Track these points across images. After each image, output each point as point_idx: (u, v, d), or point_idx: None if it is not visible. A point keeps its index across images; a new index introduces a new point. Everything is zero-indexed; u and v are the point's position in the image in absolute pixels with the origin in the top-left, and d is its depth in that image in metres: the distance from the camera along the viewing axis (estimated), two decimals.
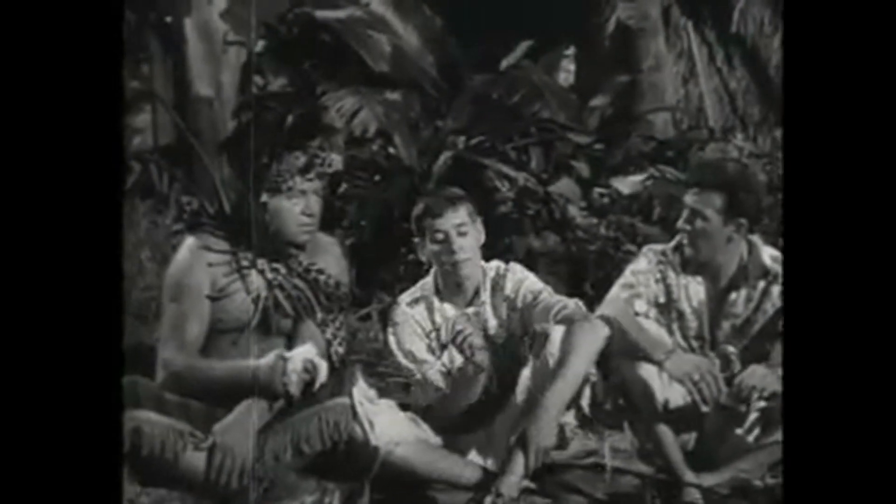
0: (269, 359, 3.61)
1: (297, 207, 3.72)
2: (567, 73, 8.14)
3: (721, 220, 4.00)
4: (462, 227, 4.01)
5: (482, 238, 4.10)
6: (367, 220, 6.74)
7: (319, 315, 3.79)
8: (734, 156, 6.46)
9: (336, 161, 3.79)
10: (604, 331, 3.88)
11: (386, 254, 6.61)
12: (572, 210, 6.31)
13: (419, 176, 6.81)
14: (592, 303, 4.32)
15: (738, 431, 4.08)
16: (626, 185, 6.52)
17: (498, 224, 6.01)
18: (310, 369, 3.61)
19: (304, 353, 3.64)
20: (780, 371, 3.83)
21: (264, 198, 3.70)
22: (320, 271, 3.78)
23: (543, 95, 7.29)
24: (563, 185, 6.46)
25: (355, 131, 7.22)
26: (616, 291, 4.09)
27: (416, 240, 4.13)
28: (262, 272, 3.74)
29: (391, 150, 7.15)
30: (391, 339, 4.16)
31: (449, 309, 4.10)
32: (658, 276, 4.09)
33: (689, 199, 4.06)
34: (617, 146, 7.06)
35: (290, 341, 3.77)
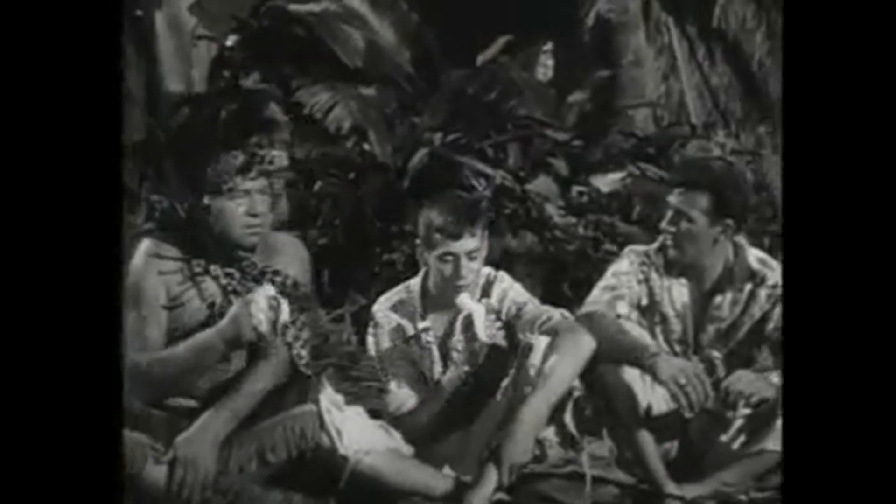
0: (231, 310, 3.49)
1: (241, 208, 3.57)
2: (545, 68, 8.16)
3: (707, 221, 3.92)
4: (474, 253, 3.87)
5: (486, 250, 3.98)
6: (341, 218, 6.69)
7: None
8: (718, 153, 6.43)
9: (280, 158, 3.64)
10: (590, 343, 3.77)
11: (360, 253, 6.58)
12: (550, 209, 6.27)
13: (394, 173, 6.75)
14: (571, 305, 4.25)
15: (723, 439, 3.99)
16: (606, 183, 6.48)
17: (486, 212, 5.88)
18: (274, 306, 3.49)
19: (265, 291, 3.52)
20: (769, 377, 3.77)
21: (206, 200, 3.55)
22: (277, 273, 3.65)
23: (521, 91, 7.24)
24: (541, 184, 6.40)
25: (330, 127, 7.20)
26: (597, 293, 4.00)
27: (418, 241, 3.97)
28: (216, 278, 3.62)
29: (366, 146, 7.11)
30: (370, 340, 4.08)
31: (433, 315, 4.00)
32: (640, 277, 4.02)
33: (674, 199, 3.97)
34: (596, 143, 7.04)
35: (251, 347, 3.62)
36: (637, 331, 3.95)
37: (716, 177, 3.95)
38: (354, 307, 6.13)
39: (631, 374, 3.84)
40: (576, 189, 6.48)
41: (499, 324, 3.91)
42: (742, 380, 3.79)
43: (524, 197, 6.32)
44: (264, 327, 3.47)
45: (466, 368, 3.91)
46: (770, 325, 3.95)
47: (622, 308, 3.93)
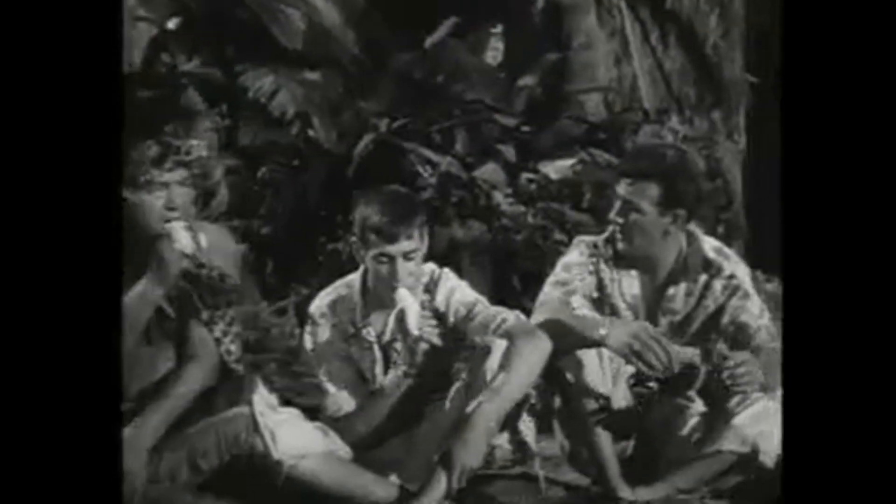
0: (154, 250, 3.42)
1: (158, 202, 3.45)
2: (495, 51, 8.10)
3: (657, 212, 3.81)
4: (411, 254, 3.76)
5: (426, 247, 3.86)
6: (284, 207, 6.56)
7: (204, 313, 3.56)
8: (670, 141, 6.28)
9: (198, 147, 3.52)
10: (546, 346, 3.66)
11: (303, 243, 6.43)
12: (498, 197, 6.15)
13: (339, 160, 6.60)
14: (520, 297, 4.29)
15: (681, 433, 3.89)
16: (555, 169, 6.37)
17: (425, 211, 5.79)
18: (193, 234, 3.47)
19: (179, 223, 3.46)
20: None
21: (124, 193, 3.41)
22: (201, 265, 3.55)
23: (469, 75, 7.12)
24: (489, 171, 6.27)
25: (274, 113, 7.00)
26: (549, 291, 3.90)
27: (353, 239, 3.85)
28: None
29: (311, 132, 6.96)
30: (307, 339, 3.97)
31: (375, 313, 3.88)
32: (591, 268, 3.92)
33: (623, 189, 3.86)
34: (546, 128, 6.93)
35: (179, 346, 3.55)
36: (590, 313, 3.84)
37: (666, 166, 3.84)
38: (298, 299, 5.96)
39: (591, 370, 3.75)
40: (525, 176, 6.37)
41: (434, 321, 3.81)
42: (743, 365, 3.65)
43: (471, 185, 6.21)
44: (190, 249, 3.44)
45: (405, 369, 3.82)
46: (726, 318, 3.86)
47: (576, 302, 3.82)
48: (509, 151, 6.45)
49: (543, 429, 3.98)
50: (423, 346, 3.82)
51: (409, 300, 3.78)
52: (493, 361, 3.62)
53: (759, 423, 3.72)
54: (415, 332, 3.77)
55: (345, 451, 3.65)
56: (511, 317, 3.73)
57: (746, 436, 3.73)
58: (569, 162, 6.46)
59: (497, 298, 4.36)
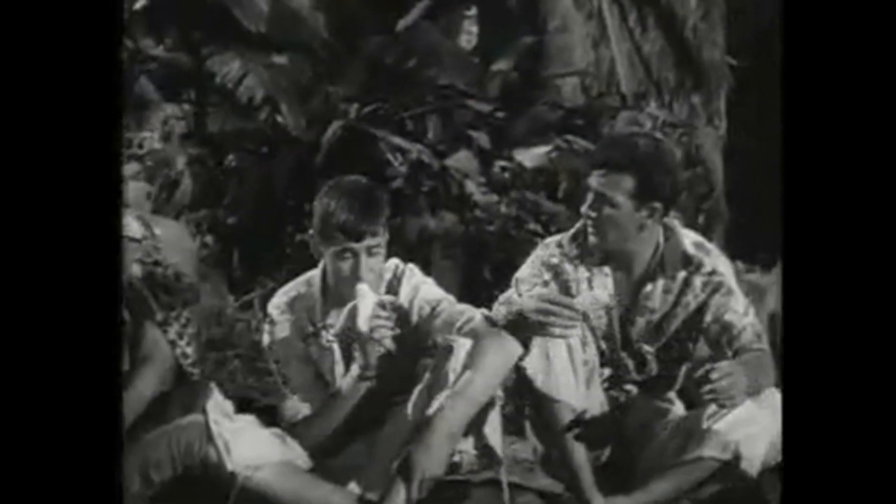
0: None
1: None
2: (469, 34, 8.06)
3: (632, 205, 3.67)
4: (375, 249, 3.61)
5: (386, 243, 3.72)
6: (251, 196, 6.53)
7: (159, 314, 3.48)
8: (647, 129, 6.23)
9: (150, 139, 3.41)
10: (515, 348, 3.53)
11: (270, 233, 6.42)
12: (470, 186, 6.11)
13: (307, 148, 6.56)
14: (492, 290, 4.19)
15: (659, 438, 3.74)
16: (530, 157, 6.32)
17: (389, 202, 5.66)
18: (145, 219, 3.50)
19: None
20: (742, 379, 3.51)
21: None
22: (156, 263, 3.50)
23: (442, 59, 7.09)
24: (461, 159, 6.24)
25: (241, 98, 6.98)
26: (497, 309, 3.74)
27: (311, 233, 3.72)
28: None
29: (279, 118, 6.95)
30: (265, 339, 3.81)
31: (335, 312, 3.71)
32: (547, 276, 3.78)
33: (595, 181, 3.71)
34: (521, 114, 6.88)
35: (132, 349, 3.48)
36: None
37: (641, 157, 3.69)
38: (264, 291, 5.92)
39: (562, 372, 3.59)
40: (498, 164, 6.32)
41: (390, 324, 3.64)
42: (726, 377, 3.48)
43: (443, 173, 6.15)
44: (139, 234, 3.44)
45: (360, 371, 3.65)
46: (708, 316, 3.72)
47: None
48: (482, 138, 6.41)
49: (515, 431, 3.88)
50: (384, 345, 3.66)
51: (365, 297, 3.63)
52: (456, 362, 3.47)
53: (742, 429, 3.58)
54: (363, 329, 3.60)
55: (303, 459, 3.54)
56: (477, 316, 3.59)
57: (728, 442, 3.59)
58: (544, 149, 6.40)
59: (469, 291, 4.24)
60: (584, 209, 3.74)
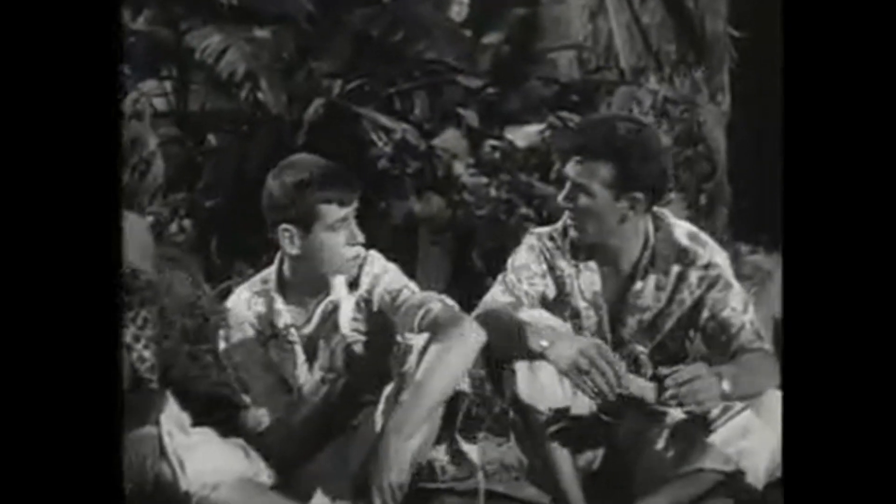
0: None
1: None
2: (460, 6, 7.75)
3: (610, 195, 3.51)
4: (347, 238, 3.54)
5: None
6: (229, 178, 6.29)
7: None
8: (645, 106, 6.25)
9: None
10: (477, 337, 3.35)
11: (249, 217, 6.11)
12: (458, 167, 5.93)
13: (289, 126, 6.34)
14: (481, 279, 4.11)
15: (655, 448, 3.57)
16: (522, 136, 6.14)
17: (373, 185, 5.61)
18: None
19: None
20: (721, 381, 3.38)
21: None
22: None
23: (431, 32, 6.83)
24: (449, 138, 6.05)
25: (222, 74, 6.67)
26: (496, 296, 3.60)
27: (286, 227, 3.51)
28: None
29: (260, 96, 6.65)
30: (221, 345, 3.68)
31: (296, 310, 3.58)
32: (543, 268, 3.62)
33: (571, 169, 3.55)
34: (513, 90, 6.69)
35: None
36: (538, 315, 3.53)
37: (620, 143, 3.52)
38: (242, 279, 5.70)
39: (547, 374, 3.41)
40: (488, 144, 6.14)
41: (363, 327, 3.54)
42: (696, 380, 3.36)
43: (430, 154, 5.98)
44: None
45: (324, 374, 3.53)
46: (705, 313, 3.57)
47: (524, 316, 3.50)
48: (472, 116, 6.24)
49: (500, 433, 3.85)
50: (352, 346, 3.54)
51: (342, 293, 3.50)
52: (412, 359, 3.33)
53: (742, 439, 3.42)
54: (345, 330, 3.48)
55: (267, 473, 3.42)
56: (437, 305, 3.42)
57: (729, 454, 3.42)
58: (537, 127, 6.24)
59: (457, 279, 4.06)
60: (560, 199, 3.59)
